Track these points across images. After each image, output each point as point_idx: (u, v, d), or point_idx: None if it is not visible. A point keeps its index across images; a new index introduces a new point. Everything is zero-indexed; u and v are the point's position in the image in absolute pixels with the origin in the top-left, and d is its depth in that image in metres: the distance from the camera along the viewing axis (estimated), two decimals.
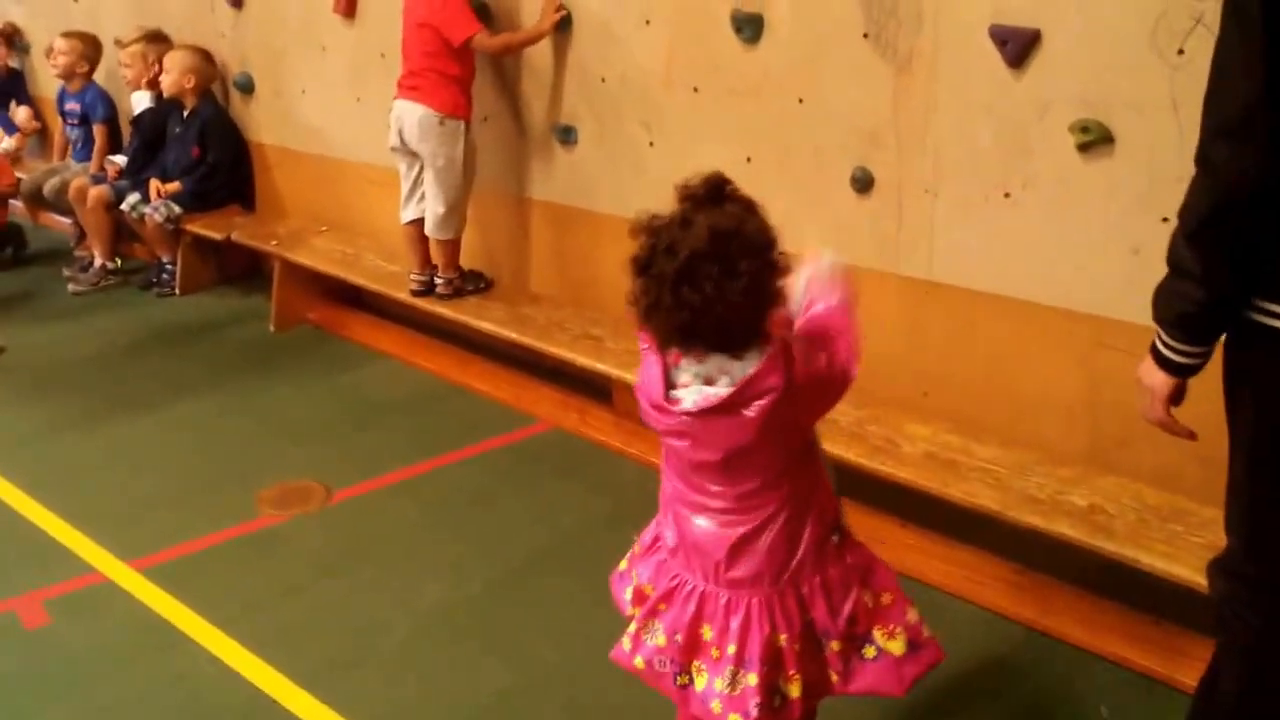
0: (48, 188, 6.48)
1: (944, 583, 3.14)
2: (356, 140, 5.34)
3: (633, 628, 2.12)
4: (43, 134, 7.26)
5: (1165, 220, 2.67)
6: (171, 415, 4.53)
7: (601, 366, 3.88)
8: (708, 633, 2.04)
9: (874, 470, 3.13)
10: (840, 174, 3.49)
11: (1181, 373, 1.87)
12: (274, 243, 5.45)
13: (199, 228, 5.77)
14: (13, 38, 7.37)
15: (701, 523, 2.03)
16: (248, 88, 5.90)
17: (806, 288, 2.04)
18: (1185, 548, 2.63)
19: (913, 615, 2.13)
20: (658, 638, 2.08)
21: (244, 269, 6.06)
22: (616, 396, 4.08)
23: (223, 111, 5.99)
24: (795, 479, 1.99)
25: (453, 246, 4.54)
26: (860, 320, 2.02)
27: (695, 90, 3.86)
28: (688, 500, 2.03)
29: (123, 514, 3.78)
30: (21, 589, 3.37)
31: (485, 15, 4.40)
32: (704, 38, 3.77)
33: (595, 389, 4.23)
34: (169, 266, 5.99)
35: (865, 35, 3.35)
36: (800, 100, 3.56)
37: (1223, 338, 1.86)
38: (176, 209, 5.77)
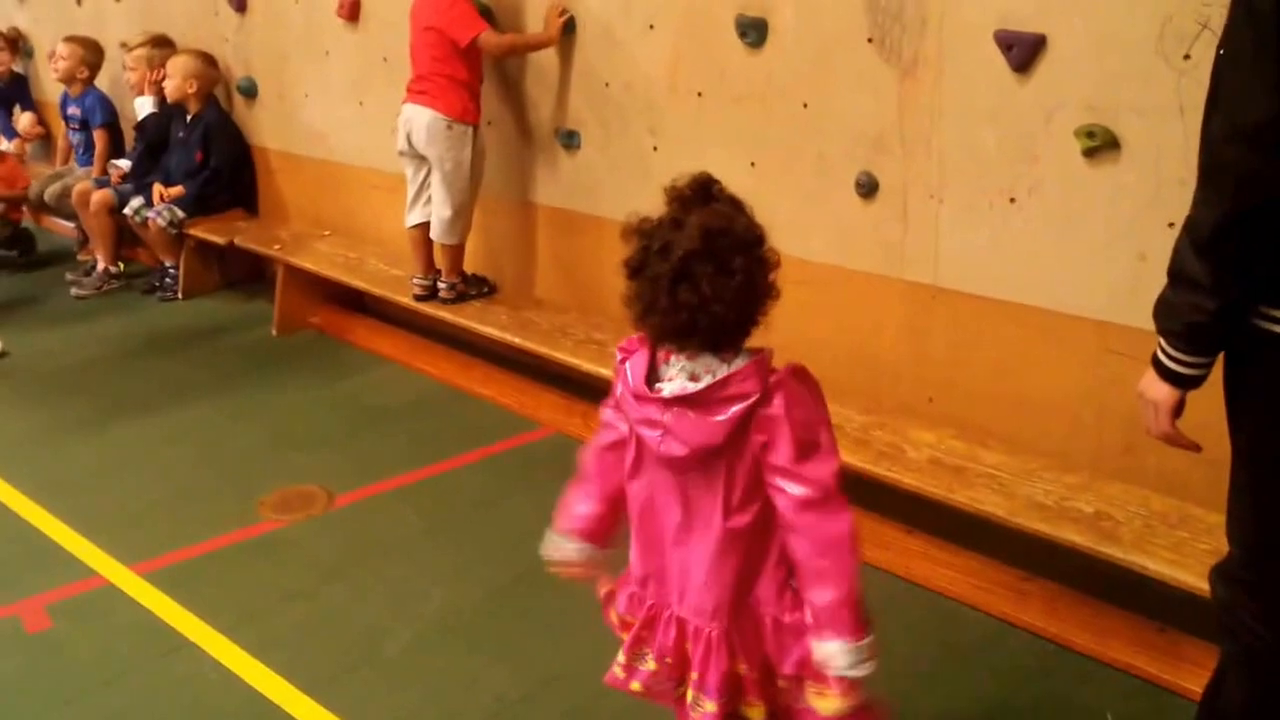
0: (49, 192, 6.49)
1: (949, 589, 3.14)
2: (359, 145, 5.34)
3: (622, 657, 2.12)
4: (46, 138, 7.27)
5: (1171, 225, 2.66)
6: (174, 420, 4.53)
7: (605, 371, 3.87)
8: (689, 649, 2.05)
9: (879, 476, 3.12)
10: (845, 179, 3.49)
11: (1186, 384, 1.85)
12: (277, 247, 5.45)
13: (202, 232, 5.78)
14: (16, 42, 7.38)
15: (666, 550, 2.02)
16: (251, 92, 5.90)
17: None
18: (1191, 554, 2.62)
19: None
20: (648, 663, 2.08)
21: (247, 273, 6.06)
22: None
23: (226, 116, 5.99)
24: (758, 517, 1.95)
25: (457, 251, 4.53)
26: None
27: (699, 95, 3.86)
28: (655, 525, 2.03)
29: (125, 518, 3.77)
30: (24, 593, 3.36)
31: (490, 20, 4.40)
32: (708, 43, 3.77)
33: (599, 394, 4.18)
34: (172, 271, 5.99)
35: (870, 40, 3.35)
36: (805, 105, 3.56)
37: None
38: (179, 213, 5.77)
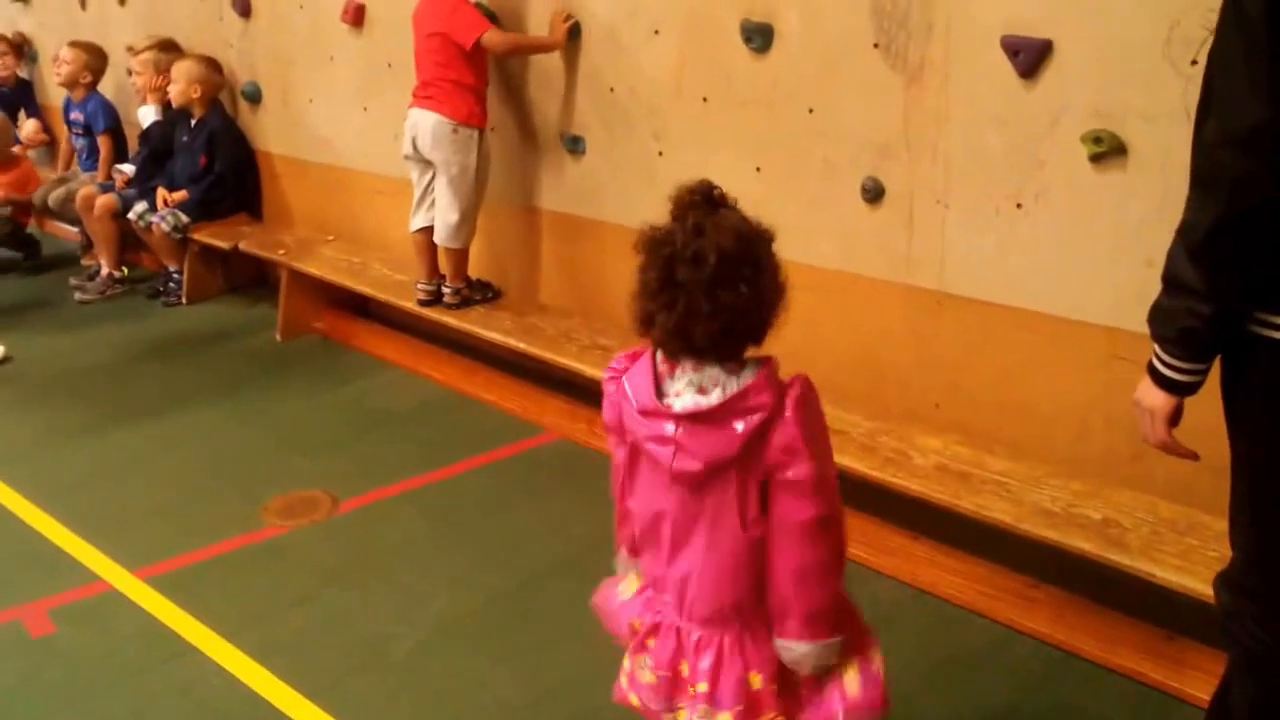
0: (52, 197, 6.50)
1: (956, 596, 3.13)
2: (364, 150, 5.34)
3: (626, 664, 2.12)
4: (50, 145, 7.27)
5: None
6: (178, 424, 4.52)
7: None
8: (685, 669, 2.03)
9: (885, 482, 3.11)
10: (851, 184, 3.48)
11: (1182, 391, 1.84)
12: (281, 252, 5.45)
13: (206, 237, 5.78)
14: (21, 47, 7.38)
15: (670, 562, 2.01)
16: (255, 97, 5.90)
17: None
18: (1199, 561, 2.61)
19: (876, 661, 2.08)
20: (646, 674, 2.07)
21: (251, 278, 6.06)
22: None
23: (230, 121, 5.99)
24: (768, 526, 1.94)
25: (461, 256, 4.53)
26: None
27: (705, 100, 3.85)
28: (658, 536, 2.02)
29: (129, 523, 3.77)
30: (27, 597, 3.35)
31: (494, 22, 4.39)
32: (714, 48, 3.77)
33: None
34: (176, 275, 5.99)
35: (876, 45, 3.34)
36: (810, 110, 3.55)
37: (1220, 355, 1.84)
38: (184, 218, 5.77)
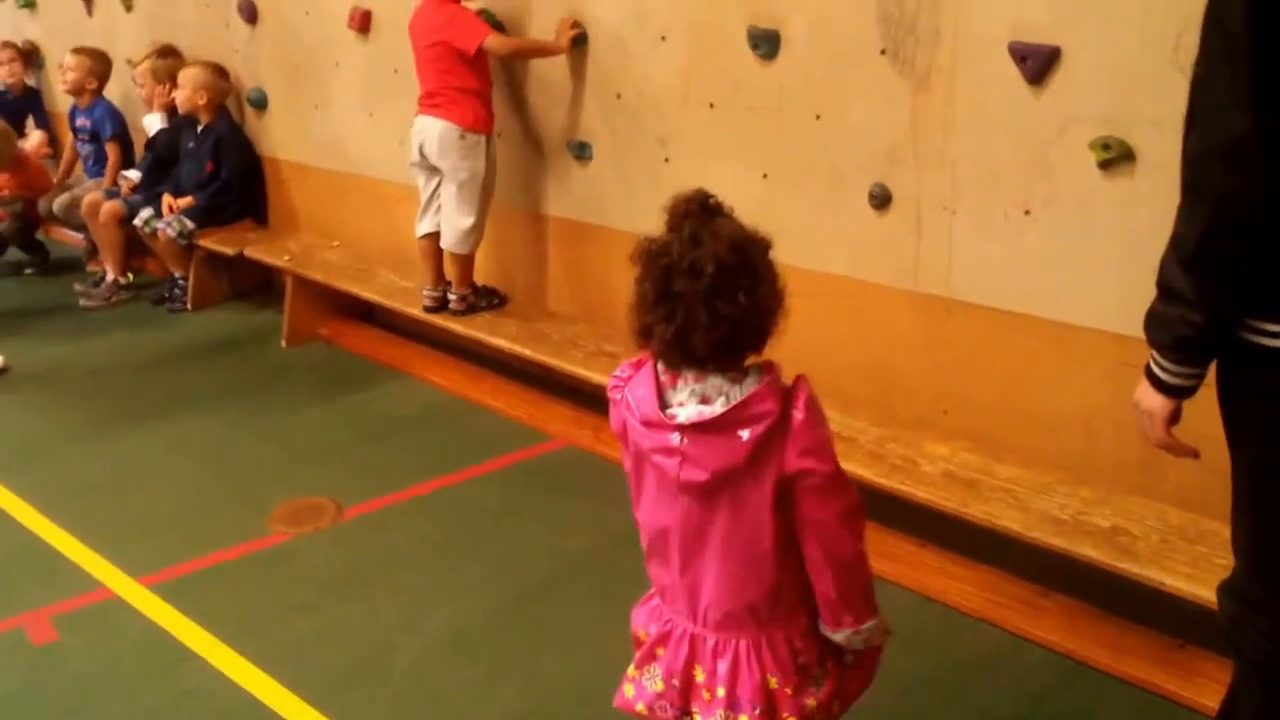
0: (57, 203, 6.51)
1: (964, 604, 3.11)
2: (369, 155, 5.34)
3: (632, 672, 2.11)
4: (54, 156, 7.27)
5: None
6: (183, 431, 4.52)
7: None
8: (700, 675, 2.02)
9: (893, 489, 3.09)
10: (858, 191, 3.47)
11: (1178, 394, 1.86)
12: (286, 258, 5.44)
13: (211, 243, 5.78)
14: (30, 55, 7.39)
15: (682, 570, 2.00)
16: (261, 103, 5.91)
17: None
18: (1209, 569, 2.59)
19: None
20: (656, 683, 2.06)
21: (256, 284, 6.06)
22: None
23: (236, 127, 5.99)
24: (779, 531, 1.94)
25: (468, 262, 4.52)
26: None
27: (711, 106, 3.84)
28: (667, 545, 2.01)
29: (132, 530, 3.76)
30: (29, 605, 3.35)
31: (496, 29, 4.40)
32: (720, 54, 3.76)
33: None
34: (181, 282, 5.99)
35: (883, 52, 3.33)
36: (817, 117, 3.54)
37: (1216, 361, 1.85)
38: (189, 224, 5.78)
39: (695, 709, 2.02)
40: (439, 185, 4.44)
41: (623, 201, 4.23)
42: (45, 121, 7.33)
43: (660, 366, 1.92)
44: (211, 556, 3.57)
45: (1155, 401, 1.88)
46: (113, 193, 6.25)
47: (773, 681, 1.98)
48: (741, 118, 3.75)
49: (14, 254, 6.76)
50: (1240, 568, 1.95)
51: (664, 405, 1.90)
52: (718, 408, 1.85)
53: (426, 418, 4.57)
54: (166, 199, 5.86)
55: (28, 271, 6.74)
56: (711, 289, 1.79)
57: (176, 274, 6.01)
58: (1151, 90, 2.79)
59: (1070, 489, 2.98)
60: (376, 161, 5.29)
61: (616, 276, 4.22)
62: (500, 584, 3.38)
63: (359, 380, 4.98)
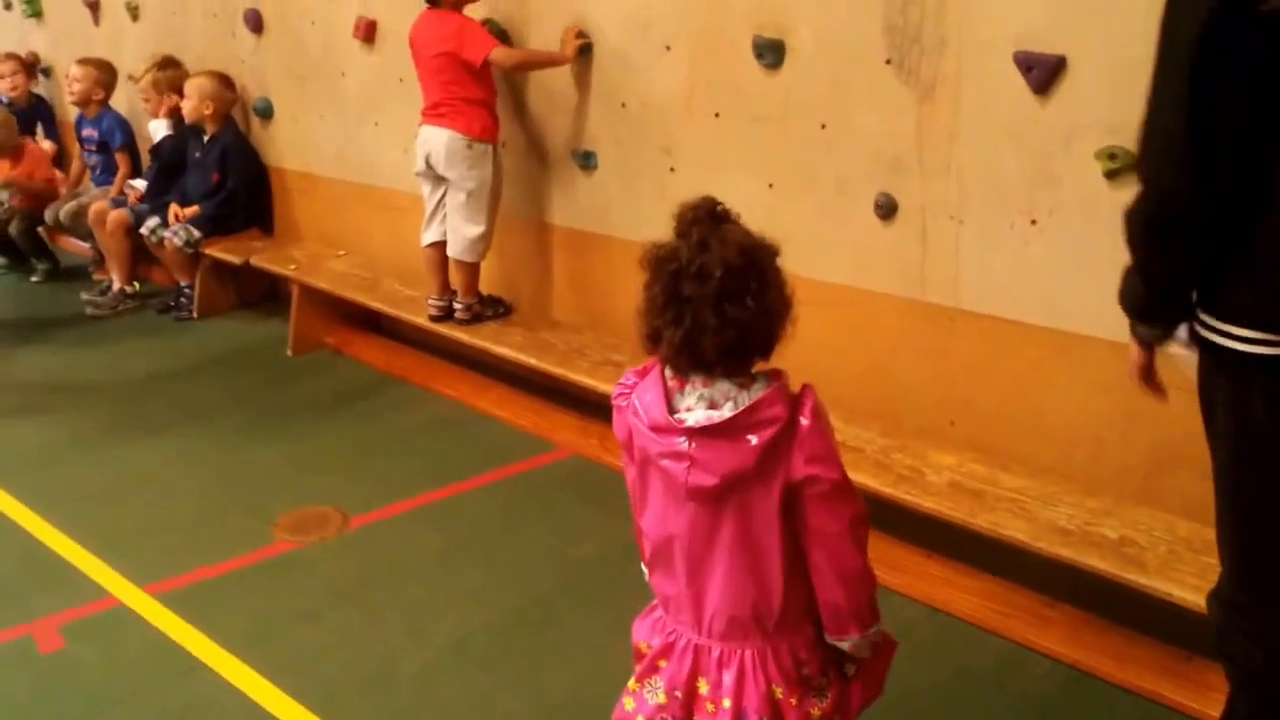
0: (64, 212, 6.53)
1: (971, 614, 3.10)
2: (375, 165, 5.35)
3: (633, 685, 2.10)
4: (61, 158, 7.29)
5: None
6: (188, 440, 4.52)
7: None
8: (703, 686, 2.01)
9: (899, 499, 3.09)
10: (864, 200, 3.47)
11: (1147, 345, 2.03)
12: (292, 267, 5.45)
13: (218, 252, 5.78)
14: (33, 66, 7.41)
15: (687, 579, 2.00)
16: (267, 113, 5.92)
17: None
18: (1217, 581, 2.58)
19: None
20: (658, 695, 2.05)
21: (262, 293, 6.07)
22: None
23: (242, 137, 6.01)
24: (785, 538, 1.94)
25: (473, 271, 4.52)
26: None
27: (716, 116, 3.84)
28: (672, 553, 2.00)
29: (138, 538, 3.76)
30: (37, 613, 3.35)
31: (504, 43, 4.41)
32: (725, 64, 3.76)
33: None
34: (187, 290, 6.00)
35: (888, 61, 3.33)
36: (823, 126, 3.54)
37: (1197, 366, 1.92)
38: (196, 233, 5.78)
39: None
40: (444, 194, 4.44)
41: (628, 211, 4.23)
42: (54, 132, 7.34)
43: (668, 372, 1.92)
44: (217, 565, 3.57)
45: (1134, 349, 2.07)
46: (119, 201, 6.27)
47: (778, 692, 1.98)
48: (746, 127, 3.76)
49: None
50: (1226, 576, 1.97)
51: (672, 410, 1.90)
52: (726, 412, 1.85)
53: (432, 427, 4.57)
54: (173, 208, 5.87)
55: (34, 279, 6.75)
56: (720, 293, 1.80)
57: (183, 283, 6.02)
58: None
59: (1077, 499, 2.98)
60: (382, 170, 5.30)
61: (622, 286, 4.22)
62: (506, 594, 3.37)
63: (364, 389, 4.98)
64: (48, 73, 7.57)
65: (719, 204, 1.90)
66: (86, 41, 7.04)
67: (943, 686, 2.86)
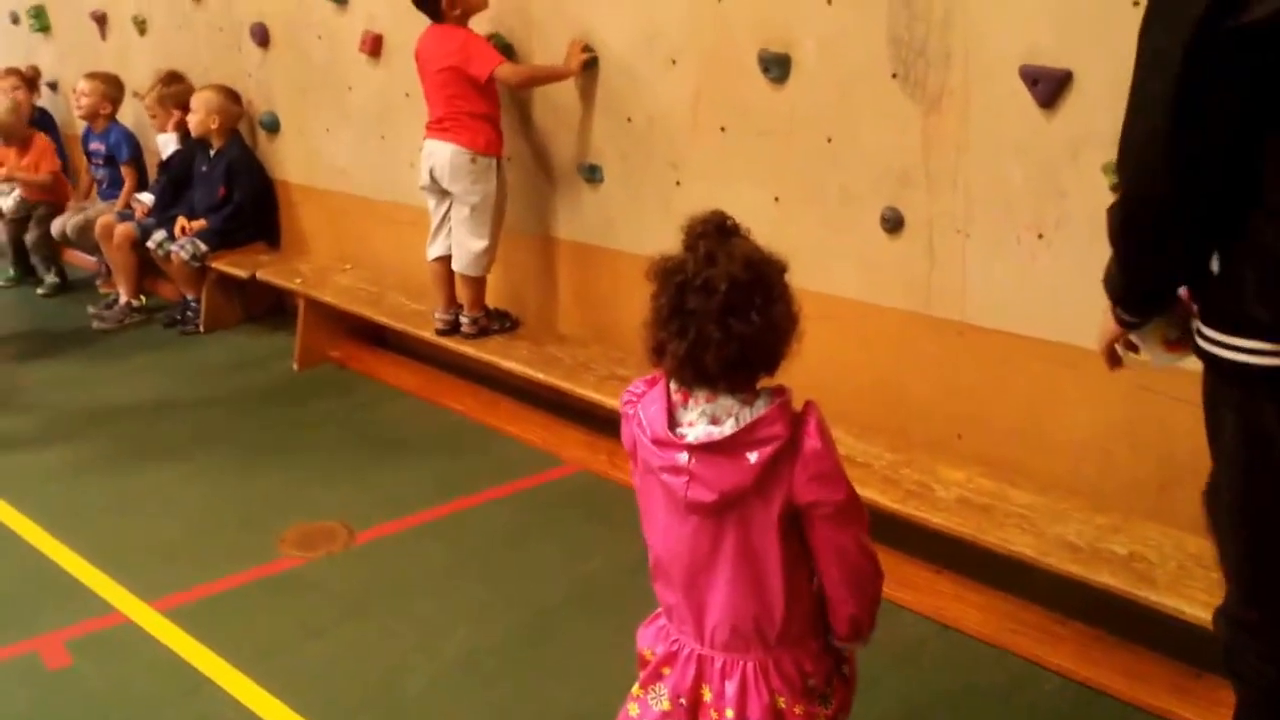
0: (70, 226, 6.55)
1: (980, 631, 3.09)
2: (381, 178, 5.35)
3: (636, 691, 2.10)
4: (65, 172, 7.30)
5: None
6: (194, 455, 4.51)
7: None
8: (707, 694, 2.01)
9: (907, 515, 3.08)
10: (870, 214, 3.47)
11: (1126, 326, 2.03)
12: (298, 281, 5.45)
13: (224, 266, 5.79)
14: (34, 80, 7.43)
15: (688, 589, 2.00)
16: (273, 127, 5.93)
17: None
18: None
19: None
20: (662, 702, 2.05)
21: (268, 307, 6.07)
22: None
23: (248, 151, 6.01)
24: (786, 553, 1.94)
25: (479, 285, 4.52)
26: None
27: (722, 130, 3.84)
28: (674, 564, 2.00)
29: (145, 553, 3.76)
30: (44, 629, 3.34)
31: (509, 59, 4.41)
32: (731, 78, 3.76)
33: None
34: (193, 304, 6.00)
35: (894, 75, 3.33)
36: (829, 140, 3.54)
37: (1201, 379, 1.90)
38: (202, 246, 5.79)
39: None
40: (449, 208, 4.45)
41: (634, 225, 4.23)
42: (59, 144, 7.36)
43: (672, 385, 1.92)
44: (223, 581, 3.57)
45: (1109, 322, 2.06)
46: (126, 215, 6.28)
47: (781, 702, 1.98)
48: (752, 141, 3.76)
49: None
50: (1233, 592, 1.94)
51: (674, 424, 1.90)
52: (727, 429, 1.85)
53: (438, 441, 4.56)
54: (180, 221, 5.88)
55: (40, 292, 6.77)
56: (724, 307, 1.80)
57: (189, 296, 6.02)
58: None
59: (1086, 515, 2.96)
60: (388, 184, 5.30)
61: (628, 300, 4.22)
62: (513, 608, 3.36)
63: (370, 403, 4.98)
64: (54, 87, 7.59)
65: (728, 218, 1.90)
66: (94, 56, 7.06)
67: (952, 703, 2.85)
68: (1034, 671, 2.95)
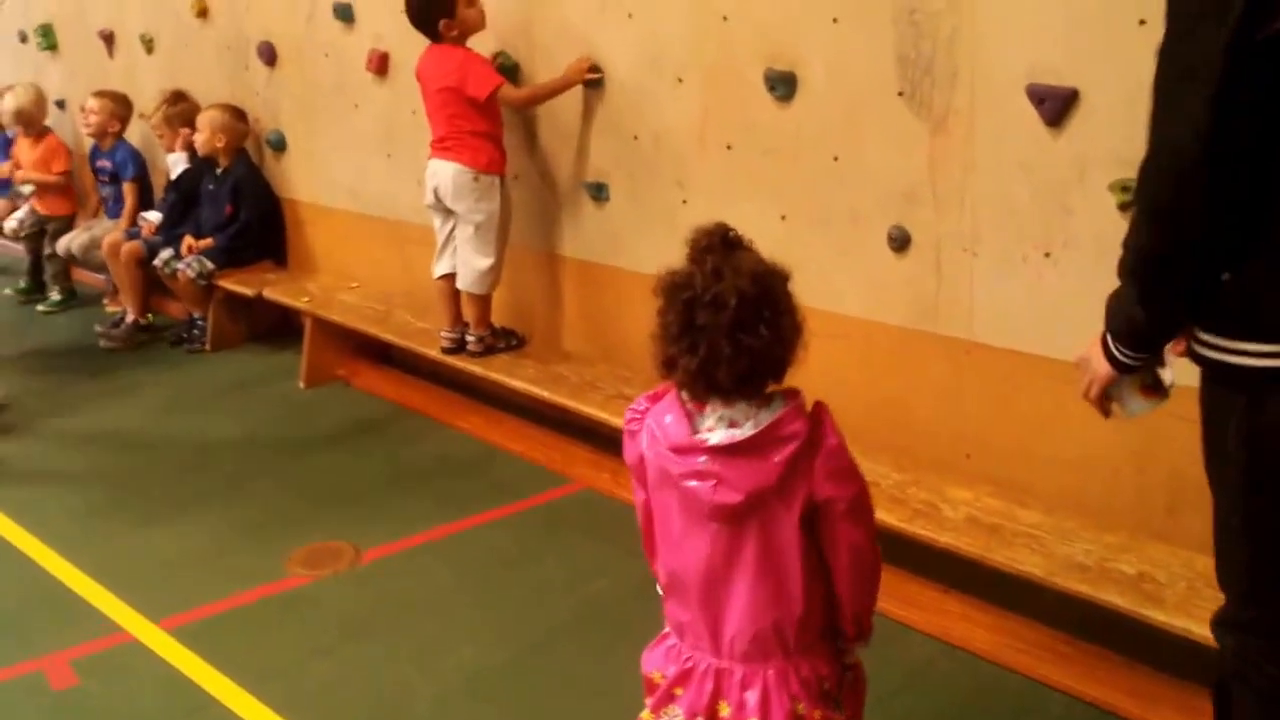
0: (77, 244, 6.57)
1: (988, 651, 3.07)
2: (387, 197, 5.36)
3: (647, 715, 2.09)
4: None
5: None
6: (199, 473, 4.52)
7: None
8: (725, 709, 2.01)
9: (915, 535, 3.07)
10: (877, 233, 3.46)
11: (1124, 370, 1.97)
12: (305, 299, 5.46)
13: (231, 284, 5.80)
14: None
15: (704, 601, 2.01)
16: (280, 145, 5.94)
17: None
18: None
19: None
20: None
21: (275, 325, 6.07)
22: None
23: (255, 170, 6.03)
24: (807, 553, 1.97)
25: (485, 303, 4.52)
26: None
27: (729, 148, 3.85)
28: (692, 577, 2.01)
29: (151, 572, 3.75)
30: (49, 648, 3.34)
31: (514, 78, 4.43)
32: (737, 96, 3.77)
33: None
34: (200, 323, 6.01)
35: (900, 94, 3.33)
36: (835, 158, 3.54)
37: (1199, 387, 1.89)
38: (209, 265, 5.80)
39: None
40: (454, 227, 4.45)
41: (640, 243, 4.23)
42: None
43: (684, 396, 1.95)
44: (230, 600, 3.56)
45: (1103, 368, 1.99)
46: (133, 233, 6.29)
47: (801, 708, 1.99)
48: (759, 160, 3.76)
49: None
50: (1236, 598, 1.94)
51: (694, 431, 1.93)
52: (748, 430, 1.88)
53: (444, 460, 4.56)
54: (186, 240, 5.89)
55: (40, 309, 6.79)
56: (734, 322, 1.83)
57: (195, 315, 6.03)
58: None
59: (1095, 535, 2.95)
60: (394, 202, 5.31)
61: (634, 318, 4.22)
62: (519, 628, 3.36)
63: (377, 422, 4.98)
64: (62, 105, 7.61)
65: (731, 230, 1.93)
66: (101, 74, 7.09)
67: None
68: (1041, 692, 2.93)
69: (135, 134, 6.76)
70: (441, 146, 4.34)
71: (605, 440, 4.20)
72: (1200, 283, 1.78)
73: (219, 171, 5.96)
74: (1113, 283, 2.94)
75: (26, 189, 6.87)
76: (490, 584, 3.63)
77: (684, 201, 4.04)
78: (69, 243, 6.62)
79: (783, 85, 3.61)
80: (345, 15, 5.30)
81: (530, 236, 4.63)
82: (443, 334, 4.64)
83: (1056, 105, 2.99)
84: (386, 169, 5.33)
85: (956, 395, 3.38)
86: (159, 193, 6.56)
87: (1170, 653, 2.77)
